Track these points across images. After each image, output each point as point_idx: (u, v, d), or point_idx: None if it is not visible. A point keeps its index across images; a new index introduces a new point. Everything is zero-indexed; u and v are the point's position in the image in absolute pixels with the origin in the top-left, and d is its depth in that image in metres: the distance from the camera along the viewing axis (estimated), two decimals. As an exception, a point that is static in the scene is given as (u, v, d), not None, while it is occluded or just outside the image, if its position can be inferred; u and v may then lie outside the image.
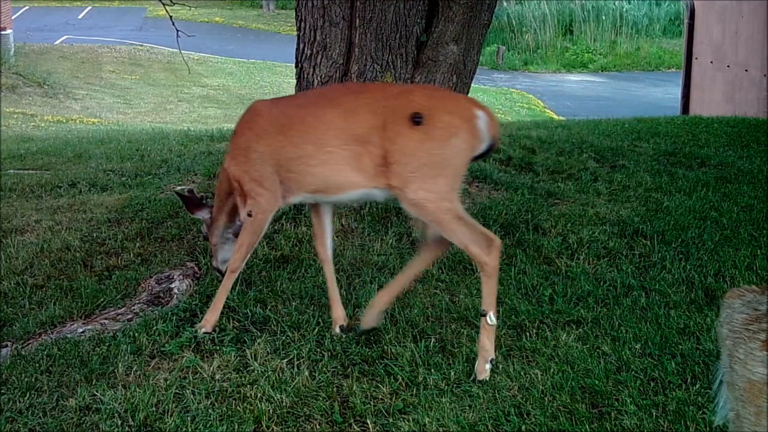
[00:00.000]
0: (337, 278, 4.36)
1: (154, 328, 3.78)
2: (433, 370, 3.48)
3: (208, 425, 3.09)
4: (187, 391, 3.29)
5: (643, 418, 3.13)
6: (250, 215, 3.68)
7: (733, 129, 9.64)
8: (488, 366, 3.42)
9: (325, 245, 3.87)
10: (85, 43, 26.38)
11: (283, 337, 3.73)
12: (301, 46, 5.60)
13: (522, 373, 3.47)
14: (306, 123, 3.52)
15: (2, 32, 20.81)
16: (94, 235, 5.02)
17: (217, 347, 3.65)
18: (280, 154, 3.57)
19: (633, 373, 3.45)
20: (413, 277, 3.78)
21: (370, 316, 3.73)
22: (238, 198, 3.79)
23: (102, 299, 4.14)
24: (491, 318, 3.41)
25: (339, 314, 3.84)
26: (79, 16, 34.24)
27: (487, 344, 3.44)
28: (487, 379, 3.41)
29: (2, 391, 3.31)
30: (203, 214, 4.09)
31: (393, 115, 3.38)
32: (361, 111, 3.44)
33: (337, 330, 3.78)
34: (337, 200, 3.67)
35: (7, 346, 3.74)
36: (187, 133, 9.55)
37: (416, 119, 3.34)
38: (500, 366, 3.52)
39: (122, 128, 13.00)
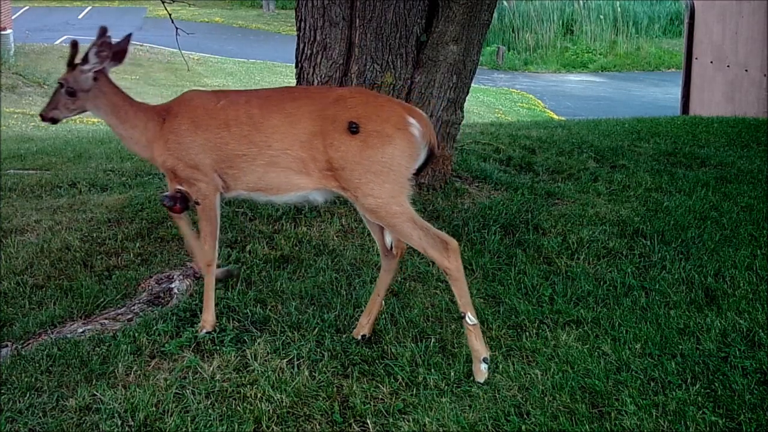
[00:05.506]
0: (336, 278, 4.38)
1: (154, 328, 3.78)
2: (433, 370, 3.48)
3: (208, 425, 3.09)
4: (187, 391, 3.30)
5: (643, 418, 3.13)
6: (198, 203, 3.70)
7: (733, 129, 9.65)
8: (484, 366, 3.42)
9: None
10: (85, 43, 26.27)
11: (283, 337, 3.73)
12: (301, 46, 5.60)
13: (522, 373, 3.47)
14: (251, 123, 3.55)
15: (2, 32, 20.83)
16: (94, 235, 5.02)
17: (217, 347, 3.65)
18: (222, 150, 3.59)
19: (633, 373, 3.45)
20: (384, 292, 3.79)
21: (356, 334, 3.78)
22: (170, 183, 3.78)
23: (102, 299, 4.14)
24: (470, 318, 3.42)
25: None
26: (79, 16, 34.25)
27: (476, 344, 3.44)
28: (486, 380, 3.41)
29: (2, 391, 3.31)
30: None
31: (332, 123, 3.41)
32: (303, 117, 3.48)
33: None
34: (273, 200, 3.68)
35: (7, 346, 3.74)
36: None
37: (352, 128, 3.37)
38: (500, 366, 3.52)
39: (122, 128, 12.95)
